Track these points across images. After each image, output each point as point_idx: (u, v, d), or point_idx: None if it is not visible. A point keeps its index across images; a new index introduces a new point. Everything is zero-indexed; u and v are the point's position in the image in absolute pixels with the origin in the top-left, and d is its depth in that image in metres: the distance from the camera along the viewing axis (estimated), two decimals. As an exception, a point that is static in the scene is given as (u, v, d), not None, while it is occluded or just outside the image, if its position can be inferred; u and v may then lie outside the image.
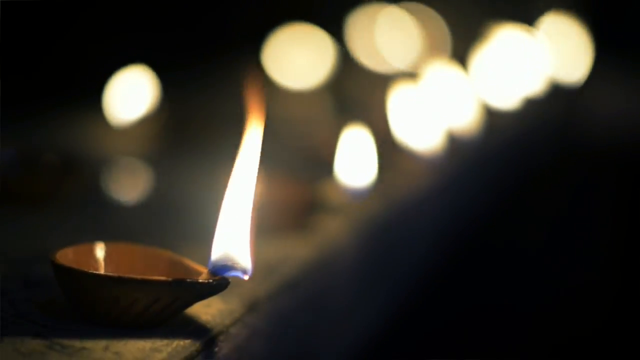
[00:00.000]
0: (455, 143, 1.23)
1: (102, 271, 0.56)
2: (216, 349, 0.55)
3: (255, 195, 0.55)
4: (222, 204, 0.55)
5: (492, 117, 1.53)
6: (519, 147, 1.76)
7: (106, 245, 0.58)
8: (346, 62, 1.82)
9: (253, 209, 0.55)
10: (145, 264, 0.57)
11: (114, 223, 0.79)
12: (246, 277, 0.54)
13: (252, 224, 0.54)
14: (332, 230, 0.81)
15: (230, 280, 0.54)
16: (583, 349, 1.08)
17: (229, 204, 0.55)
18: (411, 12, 2.14)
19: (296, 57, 1.72)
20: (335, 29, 1.88)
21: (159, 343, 0.52)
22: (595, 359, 1.06)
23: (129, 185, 0.92)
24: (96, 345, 0.51)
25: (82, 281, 0.52)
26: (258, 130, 0.55)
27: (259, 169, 0.55)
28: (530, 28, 2.22)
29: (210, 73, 1.54)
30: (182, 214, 0.79)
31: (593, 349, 1.08)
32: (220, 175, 0.57)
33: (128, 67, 1.20)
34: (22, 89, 1.16)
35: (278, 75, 1.63)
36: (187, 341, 0.53)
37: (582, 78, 2.32)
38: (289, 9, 1.86)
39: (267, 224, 0.73)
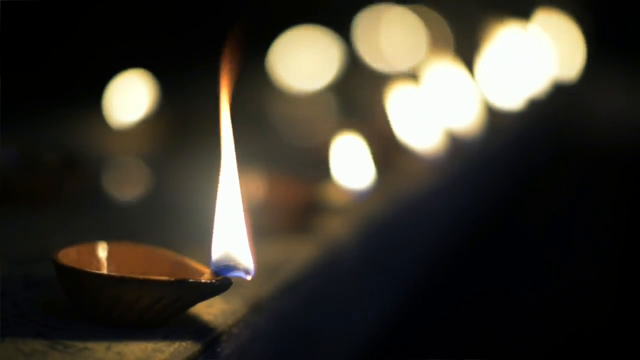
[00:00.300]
0: (456, 143, 1.23)
1: (104, 271, 0.56)
2: (218, 349, 0.55)
3: (243, 191, 0.55)
4: (216, 204, 0.55)
5: (494, 117, 1.53)
6: (519, 147, 1.75)
7: (108, 245, 0.57)
8: (349, 62, 1.81)
9: (244, 206, 0.54)
10: (147, 263, 0.57)
11: (115, 223, 0.78)
12: (249, 278, 0.54)
13: (247, 222, 0.54)
14: (334, 231, 0.81)
15: (232, 280, 0.54)
16: (584, 347, 1.08)
17: (221, 203, 0.55)
18: (413, 12, 2.14)
19: (301, 59, 1.72)
20: (339, 29, 1.88)
21: (161, 343, 0.52)
22: (596, 357, 1.06)
23: (130, 185, 0.92)
24: (98, 345, 0.50)
25: (84, 281, 0.52)
26: (227, 115, 0.55)
27: (240, 162, 0.55)
28: (531, 28, 2.22)
29: (212, 73, 1.53)
30: (185, 214, 0.79)
31: (594, 347, 1.08)
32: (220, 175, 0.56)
33: (129, 67, 1.20)
34: (23, 89, 1.16)
35: (282, 76, 1.63)
36: (189, 341, 0.53)
37: (583, 77, 2.32)
38: (294, 10, 1.86)
39: (270, 225, 0.73)
